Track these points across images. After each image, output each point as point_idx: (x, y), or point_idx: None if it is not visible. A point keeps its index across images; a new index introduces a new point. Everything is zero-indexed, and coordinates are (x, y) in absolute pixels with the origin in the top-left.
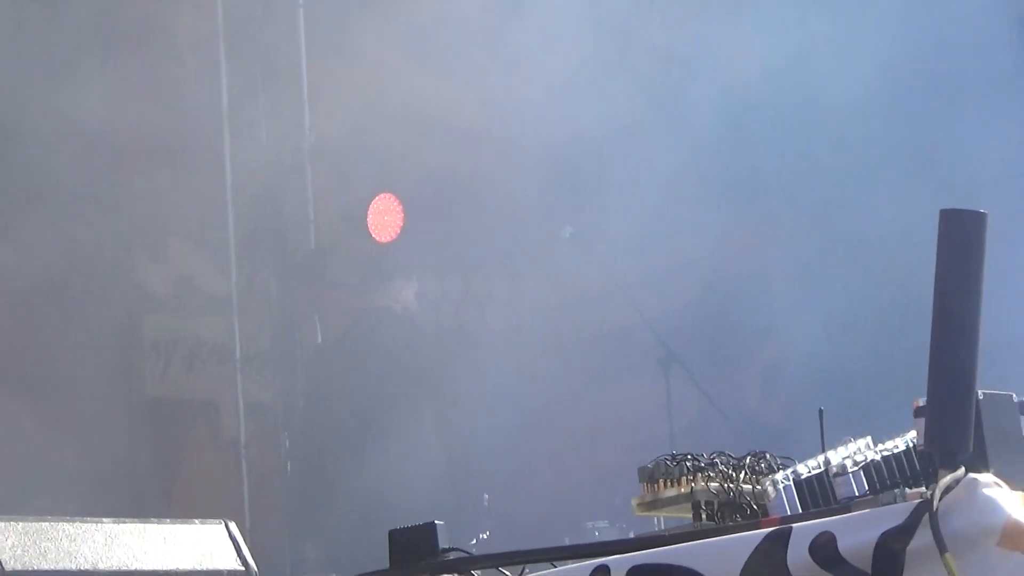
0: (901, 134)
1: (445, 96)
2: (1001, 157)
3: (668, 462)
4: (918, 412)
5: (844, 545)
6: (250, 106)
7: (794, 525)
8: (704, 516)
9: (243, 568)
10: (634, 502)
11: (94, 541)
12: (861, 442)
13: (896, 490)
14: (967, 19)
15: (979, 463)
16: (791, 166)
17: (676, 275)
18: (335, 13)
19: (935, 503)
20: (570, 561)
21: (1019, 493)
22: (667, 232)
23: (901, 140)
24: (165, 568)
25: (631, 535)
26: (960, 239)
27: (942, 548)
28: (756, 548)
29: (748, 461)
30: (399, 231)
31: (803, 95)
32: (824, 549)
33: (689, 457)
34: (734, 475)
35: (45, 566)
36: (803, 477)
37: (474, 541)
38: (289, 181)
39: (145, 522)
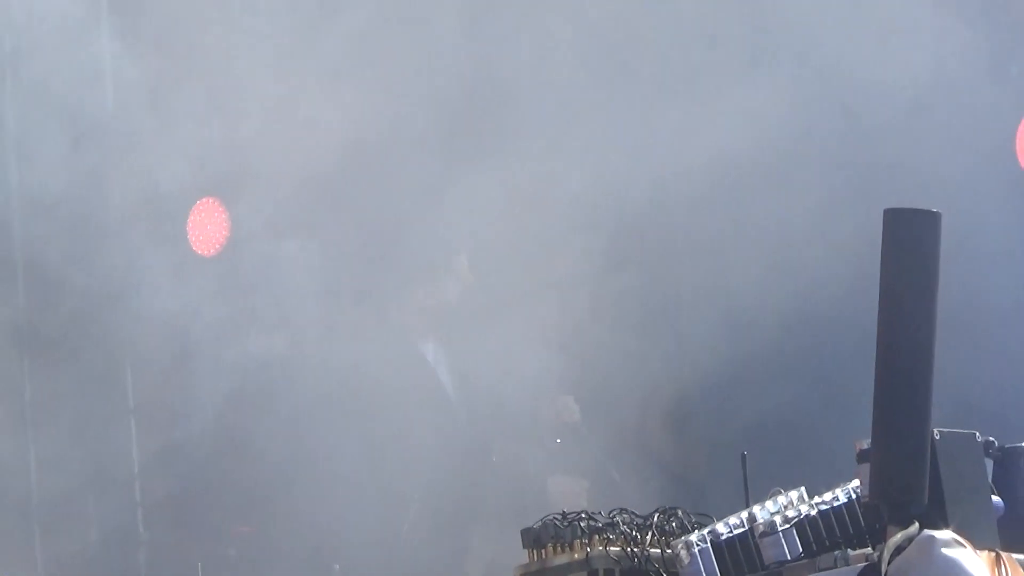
0: None
1: None
2: None
3: (558, 522)
4: (861, 456)
5: None
6: None
7: None
8: None
9: None
10: (517, 573)
11: None
12: (793, 494)
13: (837, 552)
14: None
15: (936, 517)
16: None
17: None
18: None
19: (884, 567)
20: None
21: (984, 553)
22: None
23: None
24: None
25: None
26: (909, 245)
27: None
28: None
29: (656, 520)
30: None
31: None
32: None
33: (584, 516)
34: (639, 537)
35: None
36: (723, 538)
37: None
38: None
39: None
